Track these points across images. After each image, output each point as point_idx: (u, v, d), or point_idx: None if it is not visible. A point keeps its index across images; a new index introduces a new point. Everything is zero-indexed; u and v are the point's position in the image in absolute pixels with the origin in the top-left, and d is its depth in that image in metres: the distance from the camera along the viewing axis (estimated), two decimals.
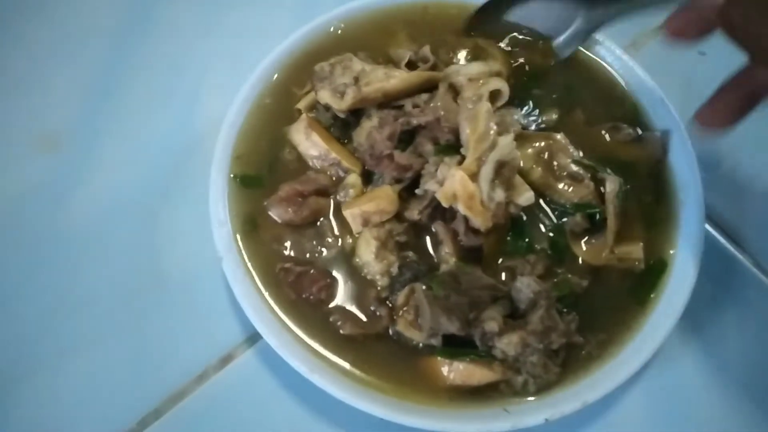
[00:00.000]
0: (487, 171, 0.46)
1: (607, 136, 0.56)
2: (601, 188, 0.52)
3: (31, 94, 0.64)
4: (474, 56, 0.59)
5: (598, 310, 0.49)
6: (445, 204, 0.46)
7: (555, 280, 0.49)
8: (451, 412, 0.45)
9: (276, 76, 0.57)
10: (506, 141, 0.47)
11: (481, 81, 0.54)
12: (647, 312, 0.49)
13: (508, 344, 0.45)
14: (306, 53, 0.59)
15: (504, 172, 0.46)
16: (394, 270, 0.49)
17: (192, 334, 0.52)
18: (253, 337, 0.52)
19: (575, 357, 0.47)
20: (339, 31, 0.60)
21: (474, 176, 0.46)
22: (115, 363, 0.51)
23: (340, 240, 0.51)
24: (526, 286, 0.47)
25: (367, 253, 0.49)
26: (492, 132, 0.47)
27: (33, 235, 0.56)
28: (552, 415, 0.44)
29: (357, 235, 0.50)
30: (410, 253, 0.49)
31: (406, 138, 0.51)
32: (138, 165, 0.60)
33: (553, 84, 0.59)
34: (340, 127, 0.55)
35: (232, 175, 0.52)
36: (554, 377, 0.46)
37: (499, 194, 0.46)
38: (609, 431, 0.49)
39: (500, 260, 0.50)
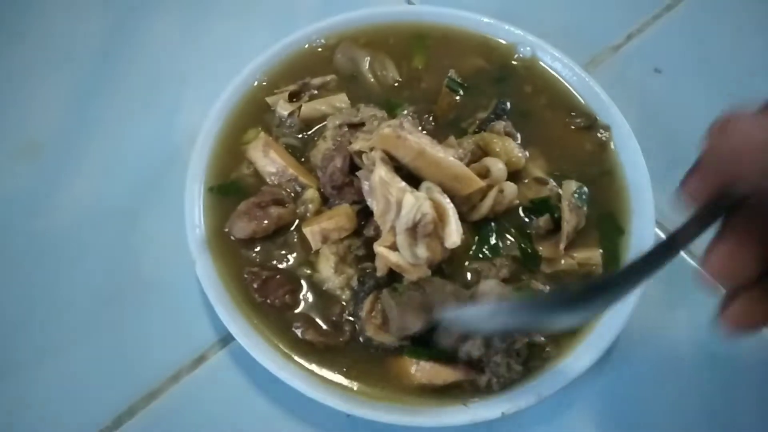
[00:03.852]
0: (400, 240, 0.47)
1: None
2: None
3: (13, 104, 0.66)
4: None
5: None
6: (381, 274, 0.50)
7: (518, 284, 0.52)
8: (413, 407, 0.47)
9: (252, 88, 0.60)
10: (408, 204, 0.46)
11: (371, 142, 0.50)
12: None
13: (472, 345, 0.47)
14: (283, 66, 0.62)
15: (419, 231, 0.46)
16: (354, 283, 0.51)
17: (166, 336, 0.54)
18: (226, 339, 0.53)
19: (537, 356, 0.49)
20: (318, 48, 0.64)
21: (394, 245, 0.48)
22: (91, 363, 0.52)
23: (304, 253, 0.53)
24: (489, 289, 0.49)
25: (326, 269, 0.51)
26: (393, 199, 0.47)
27: (13, 239, 0.58)
28: (508, 409, 0.46)
29: (316, 252, 0.52)
30: (369, 264, 0.51)
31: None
32: (117, 173, 0.62)
33: (513, 94, 0.62)
34: (299, 142, 0.58)
35: (209, 187, 0.55)
36: (517, 376, 0.48)
37: (422, 252, 0.47)
38: (564, 425, 0.51)
39: (467, 262, 0.53)
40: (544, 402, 0.47)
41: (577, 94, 0.63)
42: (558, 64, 0.64)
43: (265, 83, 0.61)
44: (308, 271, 0.52)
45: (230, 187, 0.55)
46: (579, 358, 0.49)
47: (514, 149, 0.56)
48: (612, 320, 0.50)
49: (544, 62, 0.64)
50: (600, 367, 0.50)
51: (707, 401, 0.53)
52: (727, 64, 0.72)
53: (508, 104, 0.60)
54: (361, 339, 0.50)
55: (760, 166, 0.28)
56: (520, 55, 0.65)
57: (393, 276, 0.50)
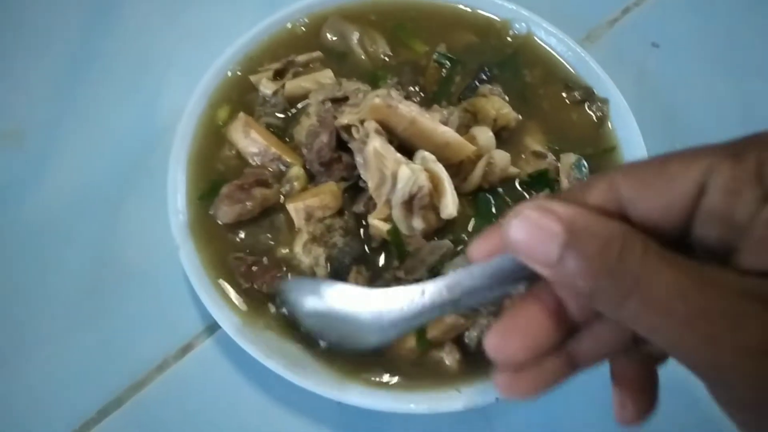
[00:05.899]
0: (396, 213, 0.47)
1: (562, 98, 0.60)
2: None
3: None
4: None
5: None
6: (376, 245, 0.50)
7: None
8: (405, 393, 0.45)
9: (236, 69, 0.58)
10: (404, 177, 0.46)
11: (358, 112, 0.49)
12: None
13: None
14: (266, 46, 0.60)
15: (415, 203, 0.47)
16: (322, 262, 0.49)
17: (152, 324, 0.52)
18: (213, 327, 0.52)
19: None
20: (302, 27, 0.62)
21: (389, 217, 0.47)
22: (76, 353, 0.51)
23: (290, 234, 0.51)
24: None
25: (298, 246, 0.50)
26: (388, 172, 0.46)
27: None
28: None
29: (299, 229, 0.51)
30: (338, 240, 0.49)
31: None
32: (101, 158, 0.60)
33: (509, 69, 0.61)
34: (282, 121, 0.56)
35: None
36: None
37: (418, 223, 0.47)
38: (561, 409, 0.50)
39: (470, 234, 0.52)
40: None
41: (573, 69, 0.61)
42: (553, 40, 0.62)
43: (248, 63, 0.59)
44: (285, 251, 0.50)
45: (214, 188, 0.52)
46: None
47: (504, 106, 0.55)
48: None
49: (539, 38, 0.62)
50: None
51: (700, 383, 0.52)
52: (725, 37, 0.70)
53: (487, 69, 0.59)
54: None
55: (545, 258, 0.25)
56: (515, 32, 0.63)
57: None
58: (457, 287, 0.32)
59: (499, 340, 0.30)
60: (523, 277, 0.30)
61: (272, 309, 0.49)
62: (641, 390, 0.31)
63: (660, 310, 0.23)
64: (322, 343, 0.46)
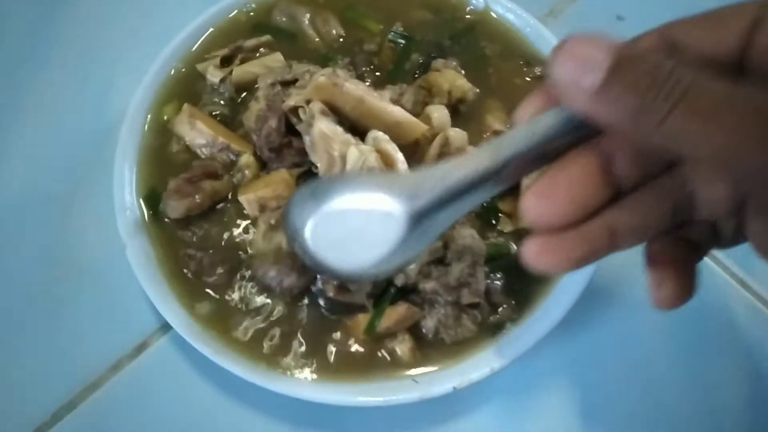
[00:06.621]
0: None
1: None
2: None
3: None
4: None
5: (521, 277, 0.49)
6: None
7: (488, 242, 0.49)
8: (360, 385, 0.45)
9: (183, 59, 0.57)
10: (352, 158, 0.45)
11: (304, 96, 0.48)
12: (554, 281, 0.49)
13: (423, 288, 0.46)
14: (214, 34, 0.58)
15: None
16: (284, 246, 0.47)
17: (106, 324, 0.51)
18: (167, 325, 0.50)
19: (491, 320, 0.47)
20: (250, 12, 0.60)
21: None
22: (27, 355, 0.50)
23: (246, 222, 0.50)
24: (462, 237, 0.47)
25: (258, 237, 0.48)
26: (336, 153, 0.45)
27: None
28: (460, 383, 0.44)
29: (254, 221, 0.49)
30: None
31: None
32: (49, 155, 0.58)
33: (467, 46, 0.59)
34: (230, 109, 0.54)
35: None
36: (469, 333, 0.46)
37: None
38: (521, 398, 0.49)
39: None
40: (498, 375, 0.45)
41: (533, 45, 0.59)
42: (510, 15, 0.60)
43: (196, 52, 0.57)
44: (239, 240, 0.49)
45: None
46: (533, 326, 0.46)
47: (458, 77, 0.54)
48: (568, 286, 0.48)
49: (497, 13, 0.61)
50: (557, 336, 0.47)
51: (662, 370, 0.51)
52: (691, 9, 0.69)
53: (443, 44, 0.58)
54: (322, 302, 0.47)
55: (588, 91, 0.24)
56: (472, 7, 0.61)
57: None
58: (501, 150, 0.29)
59: (537, 199, 0.28)
60: (569, 136, 0.28)
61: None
62: (679, 273, 0.30)
63: (707, 117, 0.22)
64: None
